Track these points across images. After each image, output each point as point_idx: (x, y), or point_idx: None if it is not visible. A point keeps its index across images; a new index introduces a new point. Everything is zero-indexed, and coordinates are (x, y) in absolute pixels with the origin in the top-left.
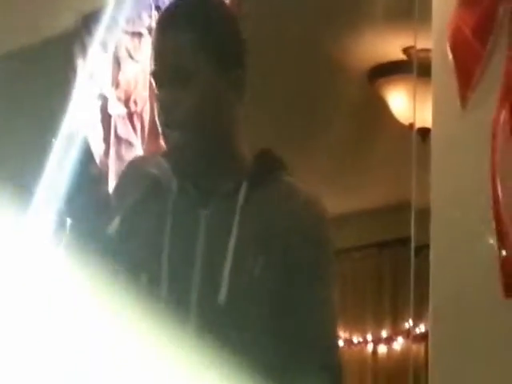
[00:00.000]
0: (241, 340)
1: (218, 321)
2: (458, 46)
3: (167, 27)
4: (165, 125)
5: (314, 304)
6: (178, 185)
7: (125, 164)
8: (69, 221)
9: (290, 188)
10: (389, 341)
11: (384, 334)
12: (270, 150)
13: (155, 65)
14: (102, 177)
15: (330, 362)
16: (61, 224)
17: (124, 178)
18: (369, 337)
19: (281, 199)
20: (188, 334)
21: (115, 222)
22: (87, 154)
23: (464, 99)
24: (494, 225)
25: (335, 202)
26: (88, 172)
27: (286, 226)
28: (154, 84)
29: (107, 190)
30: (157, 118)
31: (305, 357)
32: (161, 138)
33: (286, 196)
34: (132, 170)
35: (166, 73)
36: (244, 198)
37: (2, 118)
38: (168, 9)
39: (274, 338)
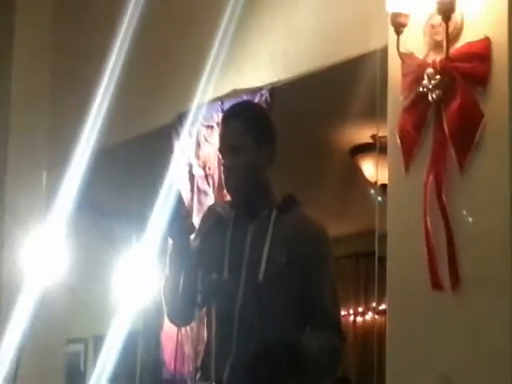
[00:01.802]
0: (273, 306)
1: (258, 292)
2: (403, 134)
3: (227, 121)
4: (226, 182)
5: (323, 283)
6: (235, 215)
7: (204, 207)
8: (170, 240)
9: (303, 214)
10: (363, 314)
11: (360, 309)
12: (292, 194)
13: (220, 144)
14: (189, 214)
15: (335, 321)
16: (164, 243)
17: (204, 216)
18: (351, 311)
19: (297, 220)
20: (238, 301)
21: (196, 241)
22: (179, 200)
23: (407, 167)
24: (425, 243)
25: (329, 229)
26: (180, 211)
27: (300, 234)
28: (220, 156)
29: (192, 222)
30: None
31: (318, 318)
32: (224, 190)
33: (300, 218)
34: (208, 211)
35: (226, 149)
36: (274, 219)
37: (124, 188)
38: (227, 111)
39: (298, 304)
